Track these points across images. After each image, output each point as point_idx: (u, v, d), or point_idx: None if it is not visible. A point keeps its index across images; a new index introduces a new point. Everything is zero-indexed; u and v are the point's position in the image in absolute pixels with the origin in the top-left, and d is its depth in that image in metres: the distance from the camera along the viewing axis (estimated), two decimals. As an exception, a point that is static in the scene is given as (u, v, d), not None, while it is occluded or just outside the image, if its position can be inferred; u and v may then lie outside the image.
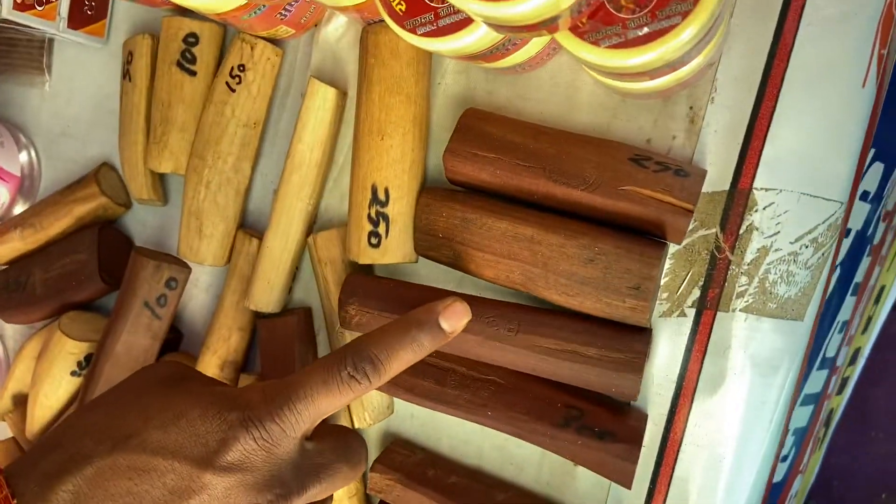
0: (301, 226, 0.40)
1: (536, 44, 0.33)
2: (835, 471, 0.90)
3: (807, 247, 0.33)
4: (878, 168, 0.54)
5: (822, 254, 0.34)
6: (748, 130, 0.33)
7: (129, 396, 0.28)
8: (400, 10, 0.30)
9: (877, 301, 0.79)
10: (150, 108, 0.44)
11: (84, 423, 0.27)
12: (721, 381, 0.34)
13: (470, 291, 0.38)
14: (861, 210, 0.57)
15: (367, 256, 0.37)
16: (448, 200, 0.36)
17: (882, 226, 0.70)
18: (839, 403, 0.81)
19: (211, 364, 0.42)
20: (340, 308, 0.37)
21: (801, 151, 0.32)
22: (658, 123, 0.34)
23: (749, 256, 0.33)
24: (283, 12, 0.38)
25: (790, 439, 0.64)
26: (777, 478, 0.64)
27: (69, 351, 0.43)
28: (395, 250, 0.37)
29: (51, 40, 0.50)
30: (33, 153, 0.51)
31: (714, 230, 0.33)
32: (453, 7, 0.29)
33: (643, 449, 0.35)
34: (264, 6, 0.36)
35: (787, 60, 0.32)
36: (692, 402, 0.34)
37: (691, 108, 0.34)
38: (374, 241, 0.37)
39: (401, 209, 0.36)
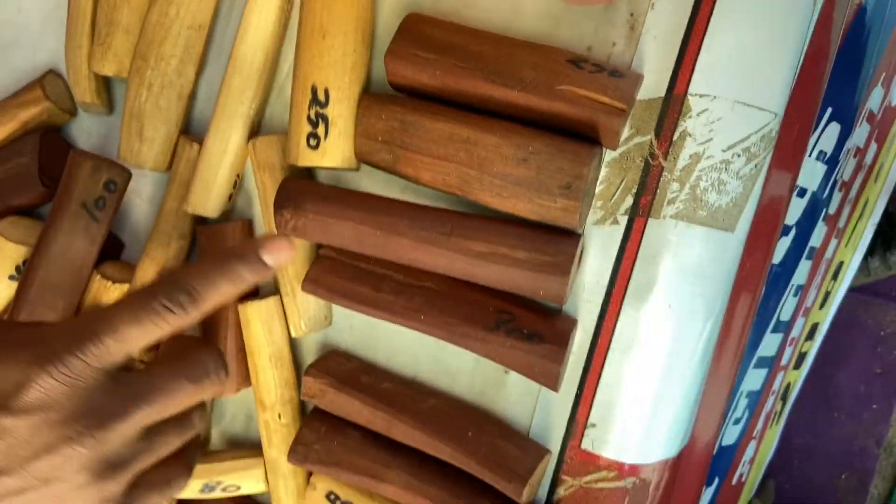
0: (242, 130, 0.39)
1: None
2: (796, 451, 0.92)
3: (739, 156, 0.33)
4: (834, 128, 0.54)
5: (755, 165, 0.34)
6: (685, 36, 0.33)
7: None
8: None
9: (835, 277, 0.80)
10: (96, 11, 0.43)
11: None
12: (650, 289, 0.34)
13: (411, 199, 0.38)
14: (816, 170, 0.58)
15: (305, 158, 0.37)
16: (388, 103, 0.36)
17: (838, 196, 0.70)
18: (797, 379, 0.82)
19: (150, 271, 0.42)
20: (276, 212, 0.37)
21: (737, 58, 0.32)
22: (599, 31, 0.34)
23: (681, 163, 0.33)
24: None
25: (743, 401, 0.64)
26: (728, 440, 0.65)
27: (7, 254, 0.43)
28: (335, 152, 0.36)
29: (-1, -56, 0.48)
30: (-20, 62, 0.50)
31: (649, 137, 0.34)
32: None
33: (572, 356, 0.36)
34: None
35: (726, -36, 0.32)
36: (621, 308, 0.35)
37: (632, 14, 0.34)
38: (312, 142, 0.37)
39: (341, 111, 0.36)
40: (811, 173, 0.59)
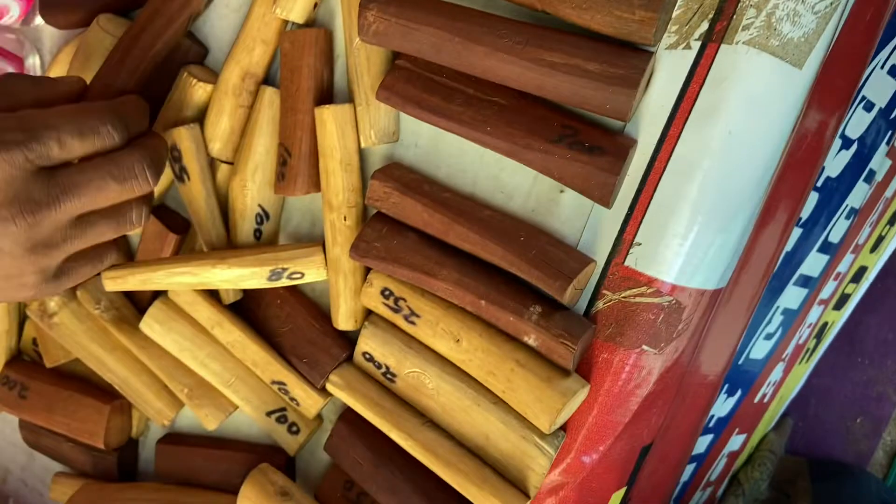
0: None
1: None
2: (815, 390, 0.92)
3: (819, -12, 0.34)
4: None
5: (831, 3, 0.34)
6: None
7: None
8: None
9: (891, 223, 0.79)
10: None
11: None
12: (713, 114, 0.35)
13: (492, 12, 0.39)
14: (887, 85, 0.57)
15: (393, -37, 0.38)
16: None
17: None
18: (835, 321, 0.82)
19: (233, 74, 0.44)
20: (360, 13, 0.38)
21: None
22: None
23: (761, -11, 0.34)
24: None
25: (777, 318, 0.65)
26: (757, 354, 0.66)
27: (106, 47, 0.46)
28: (421, -40, 0.38)
29: None
30: None
31: (732, -39, 0.34)
32: None
33: (627, 177, 0.38)
34: None
35: None
36: (682, 131, 0.36)
37: None
38: (401, -53, 0.38)
39: (432, -81, 0.37)
40: (881, 87, 0.58)
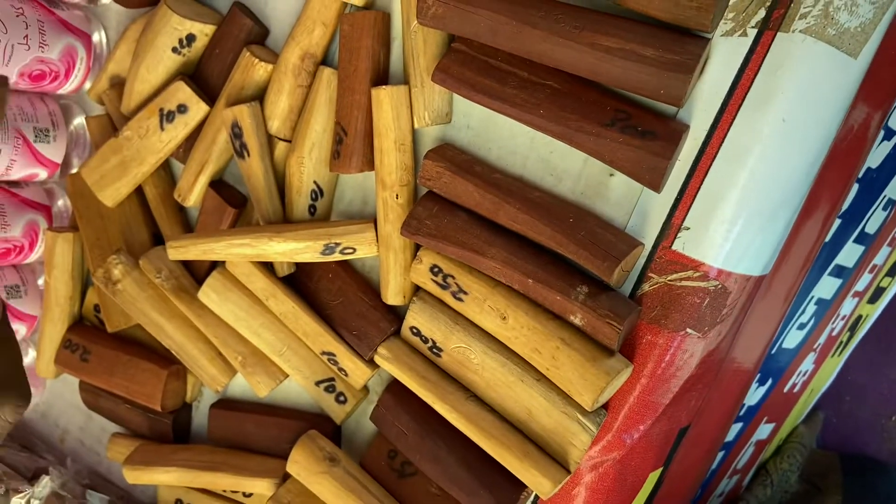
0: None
1: None
2: (849, 387, 0.91)
3: (880, -23, 0.34)
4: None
5: (893, -7, 0.34)
6: None
7: None
8: None
9: None
10: None
11: None
12: (767, 101, 0.36)
13: None
14: None
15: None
16: None
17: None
18: (869, 314, 0.81)
19: (293, 54, 0.46)
20: (420, -3, 0.40)
21: None
22: None
23: (821, -22, 0.34)
24: None
25: (811, 308, 0.65)
26: (790, 343, 0.66)
27: (173, 26, 0.48)
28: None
29: None
30: None
31: (793, -51, 0.34)
32: None
33: (678, 162, 0.38)
34: None
35: None
36: (735, 118, 0.36)
37: None
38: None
39: None
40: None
